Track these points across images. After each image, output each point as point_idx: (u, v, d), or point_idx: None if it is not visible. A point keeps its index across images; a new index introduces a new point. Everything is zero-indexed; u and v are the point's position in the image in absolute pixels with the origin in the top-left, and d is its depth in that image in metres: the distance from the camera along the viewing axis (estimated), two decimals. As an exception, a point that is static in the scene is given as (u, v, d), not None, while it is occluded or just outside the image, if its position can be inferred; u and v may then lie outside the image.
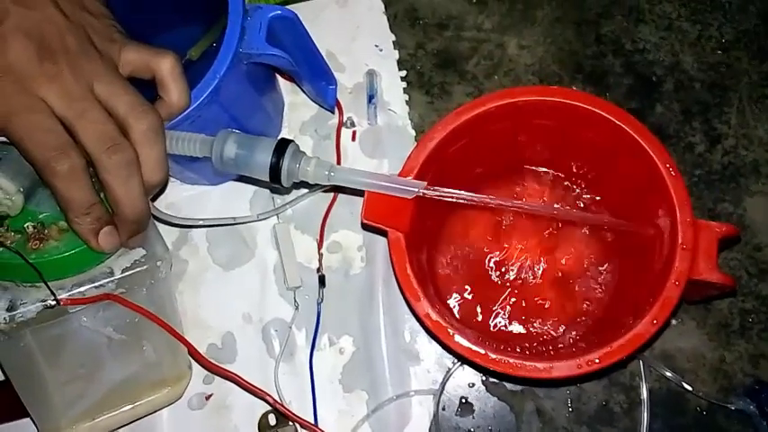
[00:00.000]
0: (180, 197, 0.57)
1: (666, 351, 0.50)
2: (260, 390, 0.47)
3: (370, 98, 0.57)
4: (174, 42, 0.51)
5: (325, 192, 0.56)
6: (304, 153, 0.42)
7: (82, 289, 0.40)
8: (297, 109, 0.59)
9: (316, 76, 0.52)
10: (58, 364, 0.44)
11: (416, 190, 0.41)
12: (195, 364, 0.52)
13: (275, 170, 0.41)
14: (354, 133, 0.57)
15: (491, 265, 0.51)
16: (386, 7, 0.60)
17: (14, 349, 0.41)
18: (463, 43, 0.59)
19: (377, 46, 0.59)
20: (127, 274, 0.41)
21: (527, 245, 0.51)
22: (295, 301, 0.55)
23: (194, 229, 0.57)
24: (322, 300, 0.54)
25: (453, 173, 0.44)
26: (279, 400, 0.50)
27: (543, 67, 0.57)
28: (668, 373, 0.49)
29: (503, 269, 0.51)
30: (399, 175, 0.42)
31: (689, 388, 0.49)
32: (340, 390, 0.53)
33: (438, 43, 0.59)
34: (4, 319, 0.38)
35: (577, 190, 0.50)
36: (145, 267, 0.42)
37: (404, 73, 0.58)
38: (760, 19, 0.56)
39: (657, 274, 0.40)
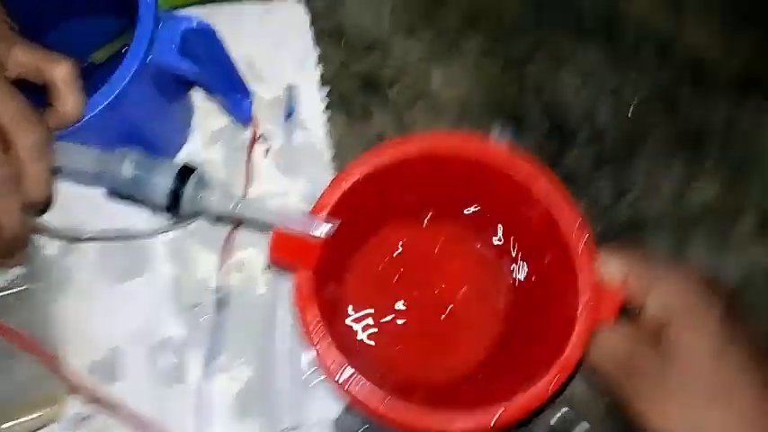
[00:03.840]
0: (72, 195, 0.52)
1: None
2: (141, 417, 0.44)
3: (289, 114, 0.55)
4: (82, 33, 0.47)
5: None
6: (209, 181, 0.40)
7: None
8: (208, 116, 0.56)
9: (230, 89, 0.49)
10: None
11: (327, 231, 0.40)
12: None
13: (175, 197, 0.38)
14: (268, 149, 0.55)
15: (397, 299, 0.50)
16: (312, 22, 0.58)
17: None
18: (388, 69, 0.58)
19: (300, 60, 0.57)
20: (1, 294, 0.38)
21: (433, 281, 0.51)
22: (191, 321, 0.52)
23: (85, 235, 0.53)
24: (220, 322, 0.52)
25: (368, 210, 0.43)
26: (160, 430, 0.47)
27: (465, 102, 0.57)
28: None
29: (409, 304, 0.51)
30: (311, 211, 0.40)
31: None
32: (233, 418, 0.50)
33: (363, 65, 0.57)
34: None
35: (497, 233, 0.50)
36: (24, 288, 0.38)
37: (325, 91, 0.57)
38: (676, 77, 0.58)
39: (560, 331, 0.41)
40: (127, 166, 0.38)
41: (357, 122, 0.56)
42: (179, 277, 0.53)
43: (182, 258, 0.53)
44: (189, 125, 0.55)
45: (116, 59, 0.44)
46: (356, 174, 0.40)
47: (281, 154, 0.55)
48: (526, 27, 0.58)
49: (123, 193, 0.39)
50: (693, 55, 0.58)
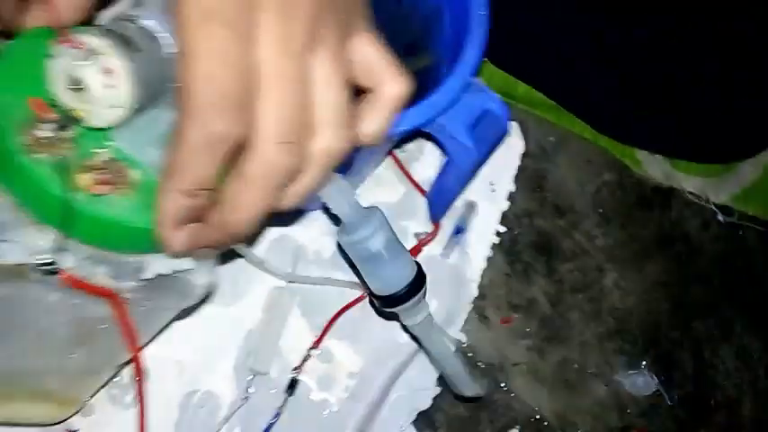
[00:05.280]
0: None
1: None
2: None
3: (458, 230, 0.49)
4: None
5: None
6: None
7: (95, 269, 0.27)
8: (380, 185, 0.49)
9: (457, 183, 0.43)
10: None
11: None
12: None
13: (395, 300, 0.31)
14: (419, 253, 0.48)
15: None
16: (522, 158, 0.53)
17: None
18: (569, 242, 0.52)
19: (491, 185, 0.51)
20: (154, 280, 0.29)
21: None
22: (248, 389, 0.43)
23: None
24: (282, 410, 0.42)
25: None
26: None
27: (624, 319, 0.52)
28: None
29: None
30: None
31: None
32: None
33: (547, 224, 0.52)
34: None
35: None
36: (184, 281, 0.29)
37: (502, 229, 0.51)
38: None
39: None
40: (377, 239, 0.31)
41: (515, 278, 0.50)
42: (261, 333, 0.44)
43: (275, 314, 0.44)
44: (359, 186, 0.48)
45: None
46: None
47: (431, 264, 0.48)
48: (710, 284, 0.54)
49: (348, 252, 0.31)
50: None
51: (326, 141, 0.26)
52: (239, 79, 0.24)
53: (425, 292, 0.33)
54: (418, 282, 0.32)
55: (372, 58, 0.29)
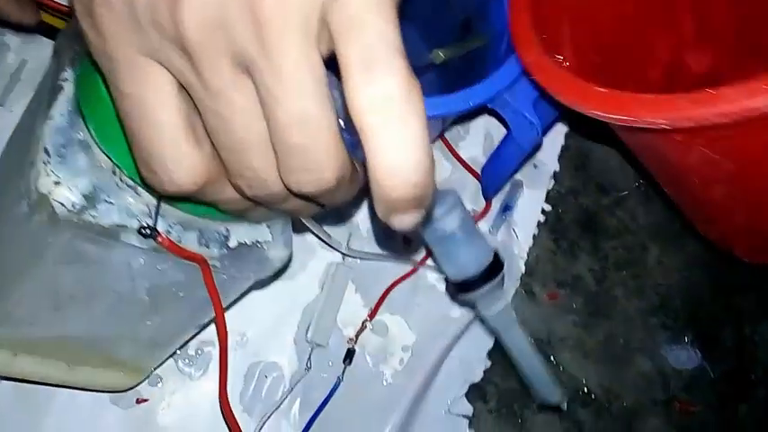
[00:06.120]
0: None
1: None
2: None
3: (506, 208, 0.50)
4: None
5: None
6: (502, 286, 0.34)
7: (185, 235, 0.28)
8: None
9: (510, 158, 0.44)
10: (45, 276, 0.31)
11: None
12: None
13: (469, 285, 0.32)
14: (468, 229, 0.49)
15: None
16: (565, 138, 0.53)
17: (35, 232, 0.28)
18: (612, 220, 0.53)
19: (535, 166, 0.52)
20: (237, 248, 0.30)
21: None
22: (309, 361, 0.44)
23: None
24: (342, 379, 0.44)
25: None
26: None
27: (667, 296, 0.52)
28: None
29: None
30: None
31: None
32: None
33: (591, 202, 0.53)
34: (74, 205, 0.25)
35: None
36: (262, 253, 0.31)
37: (547, 207, 0.52)
38: None
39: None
40: (453, 218, 0.32)
41: (560, 255, 0.51)
42: (320, 307, 0.45)
43: (334, 289, 0.46)
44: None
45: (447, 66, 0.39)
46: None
47: (479, 242, 0.49)
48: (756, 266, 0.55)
49: (424, 234, 0.33)
50: None
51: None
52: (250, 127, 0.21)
53: (503, 281, 0.34)
54: (494, 267, 0.33)
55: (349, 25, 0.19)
